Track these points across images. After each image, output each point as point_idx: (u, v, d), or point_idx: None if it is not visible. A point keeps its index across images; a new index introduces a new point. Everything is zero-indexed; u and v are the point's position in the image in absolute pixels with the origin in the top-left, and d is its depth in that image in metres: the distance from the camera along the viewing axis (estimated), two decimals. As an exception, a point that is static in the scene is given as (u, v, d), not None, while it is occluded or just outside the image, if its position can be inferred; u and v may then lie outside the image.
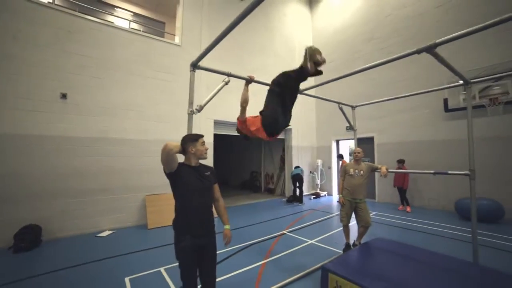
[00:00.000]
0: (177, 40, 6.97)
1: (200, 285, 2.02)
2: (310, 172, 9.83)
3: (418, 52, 2.11)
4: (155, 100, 6.17)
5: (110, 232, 5.12)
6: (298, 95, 2.40)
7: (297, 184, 8.16)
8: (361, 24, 9.17)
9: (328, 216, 6.44)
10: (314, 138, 10.38)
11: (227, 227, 2.10)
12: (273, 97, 2.14)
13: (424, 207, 7.15)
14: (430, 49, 2.06)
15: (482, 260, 3.06)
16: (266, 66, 8.62)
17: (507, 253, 3.88)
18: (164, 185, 6.03)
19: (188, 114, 2.34)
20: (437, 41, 2.00)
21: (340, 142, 9.88)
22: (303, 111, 9.77)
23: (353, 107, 4.30)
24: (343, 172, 3.93)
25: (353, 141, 4.50)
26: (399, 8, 8.10)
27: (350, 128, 4.36)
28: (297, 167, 8.64)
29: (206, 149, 2.06)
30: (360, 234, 3.80)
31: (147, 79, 6.07)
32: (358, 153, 3.87)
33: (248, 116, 2.38)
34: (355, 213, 3.80)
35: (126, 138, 5.69)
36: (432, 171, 3.53)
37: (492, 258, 3.57)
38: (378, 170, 3.63)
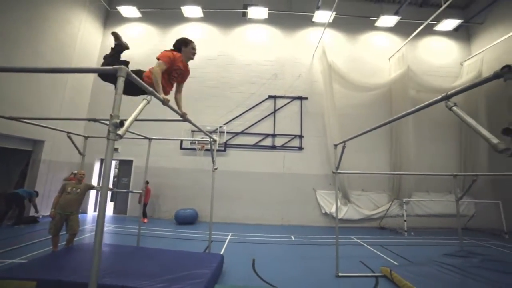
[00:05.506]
0: None
1: None
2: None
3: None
4: None
5: None
6: None
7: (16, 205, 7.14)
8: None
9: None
10: (75, 153, 9.95)
11: None
12: None
13: (161, 218, 9.39)
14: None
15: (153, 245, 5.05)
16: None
17: (187, 241, 6.47)
18: None
19: None
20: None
21: (105, 161, 10.34)
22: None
23: (86, 137, 5.31)
24: (62, 189, 4.68)
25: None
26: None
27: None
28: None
29: None
30: (68, 241, 4.61)
31: None
32: (81, 175, 4.86)
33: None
34: (66, 223, 4.57)
35: None
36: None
37: (155, 244, 5.83)
38: (95, 189, 4.82)
